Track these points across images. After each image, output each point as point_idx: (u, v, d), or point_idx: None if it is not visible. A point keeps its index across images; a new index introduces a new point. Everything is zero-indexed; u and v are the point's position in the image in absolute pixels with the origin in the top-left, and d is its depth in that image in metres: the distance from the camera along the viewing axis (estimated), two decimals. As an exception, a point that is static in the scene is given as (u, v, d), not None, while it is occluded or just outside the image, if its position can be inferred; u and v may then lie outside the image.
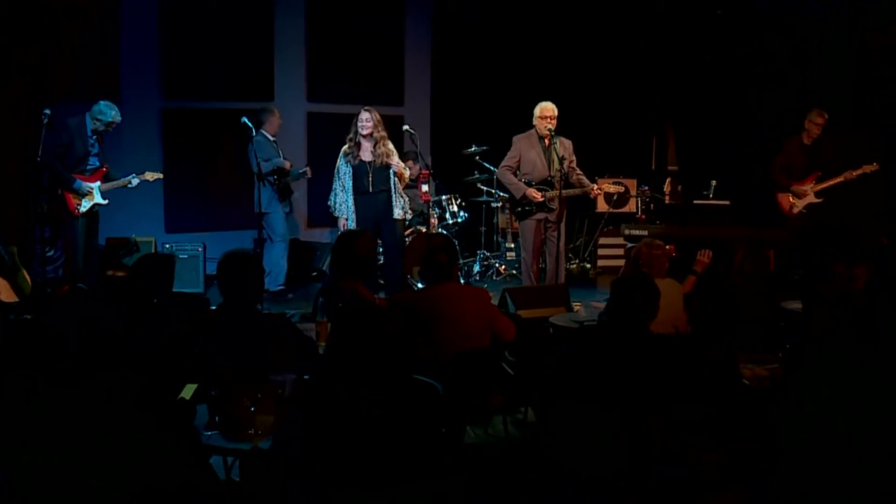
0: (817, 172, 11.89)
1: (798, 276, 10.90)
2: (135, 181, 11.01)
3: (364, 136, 10.59)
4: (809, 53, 13.26)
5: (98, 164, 10.89)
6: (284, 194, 12.10)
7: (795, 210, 11.99)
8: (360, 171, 10.59)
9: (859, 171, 11.67)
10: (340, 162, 10.67)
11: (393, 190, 10.70)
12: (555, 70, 14.89)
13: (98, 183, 10.83)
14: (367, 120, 10.58)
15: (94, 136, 10.80)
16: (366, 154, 10.61)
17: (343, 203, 10.62)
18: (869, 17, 12.72)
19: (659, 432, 4.59)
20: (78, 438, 3.63)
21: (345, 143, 10.70)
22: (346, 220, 10.58)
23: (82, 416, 3.66)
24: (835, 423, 4.03)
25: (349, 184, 10.58)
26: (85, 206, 10.76)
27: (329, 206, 10.80)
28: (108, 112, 10.73)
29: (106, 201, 10.92)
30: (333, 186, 10.72)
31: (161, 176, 11.33)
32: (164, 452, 3.76)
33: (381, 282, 11.38)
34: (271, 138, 12.04)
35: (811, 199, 11.92)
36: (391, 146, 10.77)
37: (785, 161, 12.07)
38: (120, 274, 6.49)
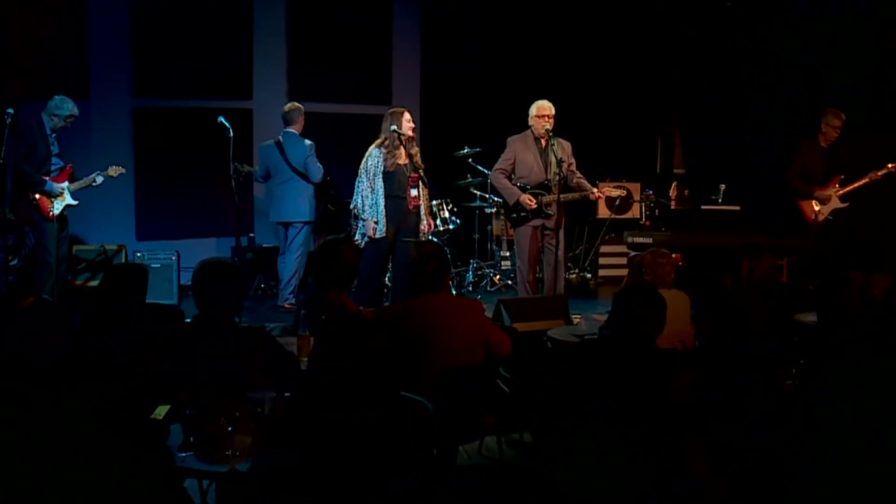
0: (839, 176, 11.88)
1: (813, 287, 10.89)
2: (99, 179, 11.03)
3: (406, 139, 10.58)
4: (824, 49, 13.26)
5: (62, 163, 10.90)
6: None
7: (821, 217, 11.95)
8: (398, 175, 10.56)
9: (884, 171, 11.64)
10: (371, 163, 10.54)
11: (421, 198, 10.72)
12: (553, 67, 14.89)
13: (66, 183, 10.86)
14: (410, 121, 10.60)
15: (54, 135, 10.81)
16: (402, 157, 10.59)
17: (373, 206, 10.52)
18: (886, 11, 12.72)
19: (667, 453, 4.59)
20: (41, 460, 3.61)
21: (375, 144, 10.60)
22: (377, 222, 10.52)
23: (46, 437, 3.65)
24: (853, 442, 4.03)
25: (380, 185, 10.51)
26: (57, 208, 10.79)
27: (353, 209, 10.72)
28: (65, 106, 10.74)
29: (76, 202, 10.97)
30: (359, 188, 10.59)
31: (123, 170, 11.30)
32: (135, 475, 3.74)
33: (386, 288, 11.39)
34: None
35: (836, 203, 11.88)
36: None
37: (801, 166, 12.04)
38: (88, 284, 6.49)
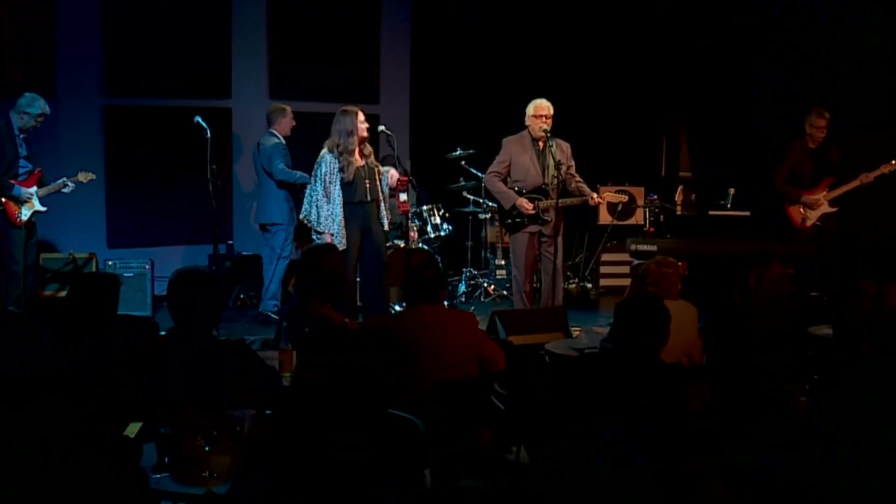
0: (829, 178, 11.88)
1: (826, 298, 10.88)
2: (70, 185, 10.98)
3: (360, 141, 10.42)
4: (840, 44, 13.25)
5: (30, 167, 10.86)
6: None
7: (808, 223, 11.93)
8: (357, 180, 10.38)
9: (876, 173, 11.59)
10: (326, 168, 10.31)
11: (381, 198, 10.63)
12: (551, 63, 14.89)
13: (35, 188, 10.81)
14: (364, 122, 10.42)
15: (22, 136, 10.76)
16: (358, 160, 10.45)
17: (330, 216, 10.29)
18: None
19: (676, 475, 4.59)
20: (4, 482, 3.61)
21: (326, 148, 10.41)
22: (333, 235, 10.28)
23: (11, 456, 3.64)
24: (872, 462, 4.03)
25: (337, 194, 10.34)
26: (25, 214, 10.74)
27: (304, 219, 10.51)
28: (36, 104, 10.71)
29: (45, 208, 10.94)
30: (312, 197, 10.39)
31: (94, 176, 11.28)
32: (107, 498, 3.74)
33: (360, 304, 11.33)
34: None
35: (825, 208, 11.87)
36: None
37: (790, 170, 12.03)
38: (56, 295, 6.48)
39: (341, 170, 10.29)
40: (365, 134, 10.41)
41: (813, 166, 11.94)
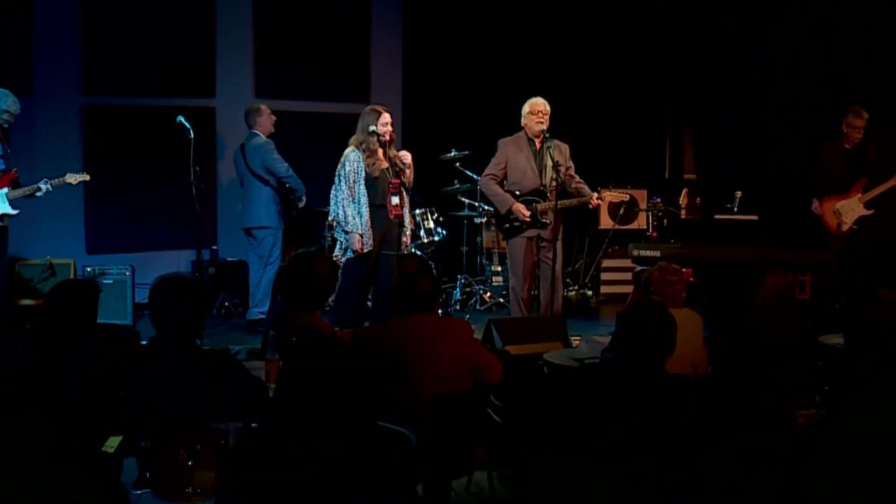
0: (864, 179, 11.79)
1: (839, 305, 10.84)
2: (44, 188, 10.80)
3: (386, 142, 10.34)
4: (855, 38, 13.20)
5: (4, 166, 10.77)
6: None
7: (844, 227, 11.76)
8: (381, 181, 10.30)
9: None
10: (349, 167, 10.21)
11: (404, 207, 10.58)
12: (548, 61, 14.87)
13: (6, 189, 10.68)
14: (390, 124, 10.33)
15: None
16: (383, 161, 10.34)
17: (356, 217, 10.18)
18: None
19: (678, 490, 4.58)
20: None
21: (351, 146, 10.30)
22: (363, 235, 10.18)
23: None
24: (886, 479, 4.02)
25: (363, 193, 10.20)
26: (-10, 216, 10.67)
27: (332, 220, 10.41)
28: (5, 99, 10.61)
29: (16, 211, 10.73)
30: (337, 197, 10.27)
31: (87, 177, 11.18)
32: (85, 515, 3.73)
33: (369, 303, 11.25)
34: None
35: (861, 211, 11.73)
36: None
37: (823, 174, 11.95)
38: (33, 303, 6.47)
39: (367, 168, 10.25)
40: (387, 137, 10.29)
41: (847, 168, 11.80)
